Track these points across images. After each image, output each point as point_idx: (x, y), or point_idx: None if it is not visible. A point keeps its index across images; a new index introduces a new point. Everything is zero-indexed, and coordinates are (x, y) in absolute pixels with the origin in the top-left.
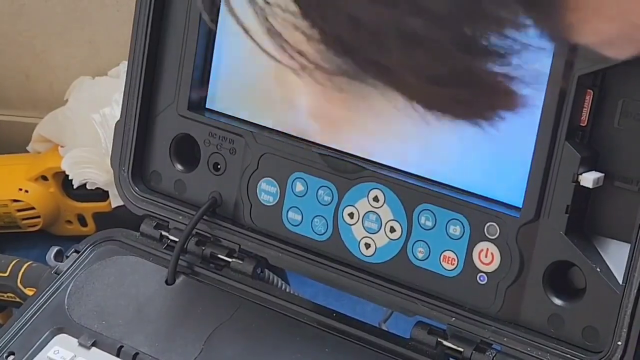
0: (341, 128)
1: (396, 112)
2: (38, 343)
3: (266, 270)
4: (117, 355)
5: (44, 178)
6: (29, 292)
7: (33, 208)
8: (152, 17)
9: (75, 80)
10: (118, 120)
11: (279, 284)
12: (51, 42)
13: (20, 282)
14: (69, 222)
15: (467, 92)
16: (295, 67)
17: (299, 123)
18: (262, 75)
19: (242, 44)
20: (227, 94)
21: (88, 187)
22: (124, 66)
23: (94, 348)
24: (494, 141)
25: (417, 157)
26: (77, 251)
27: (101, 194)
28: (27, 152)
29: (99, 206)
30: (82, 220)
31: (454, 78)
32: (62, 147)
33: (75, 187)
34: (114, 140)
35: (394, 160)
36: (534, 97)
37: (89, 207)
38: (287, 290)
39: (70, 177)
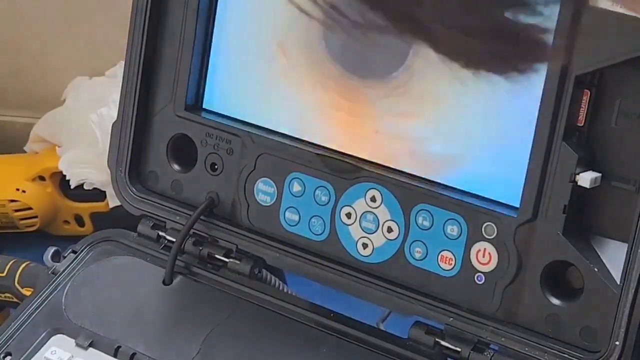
0: (338, 128)
1: (395, 109)
2: (35, 343)
3: (264, 270)
4: (115, 356)
5: (42, 178)
6: (27, 292)
7: (30, 208)
8: (149, 18)
9: (72, 80)
10: (115, 121)
11: (277, 284)
12: (48, 43)
13: (18, 282)
14: (67, 222)
15: (500, 43)
16: (326, 21)
17: (296, 123)
18: (259, 75)
19: (239, 44)
20: (224, 94)
21: (85, 187)
22: (121, 66)
23: (91, 348)
24: (491, 141)
25: (414, 157)
26: (74, 251)
27: (99, 194)
28: (25, 152)
29: (97, 206)
30: (80, 221)
31: (486, 29)
32: (59, 147)
33: (72, 187)
34: (111, 140)
35: (391, 160)
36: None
37: (86, 208)
38: (285, 290)
39: (67, 178)
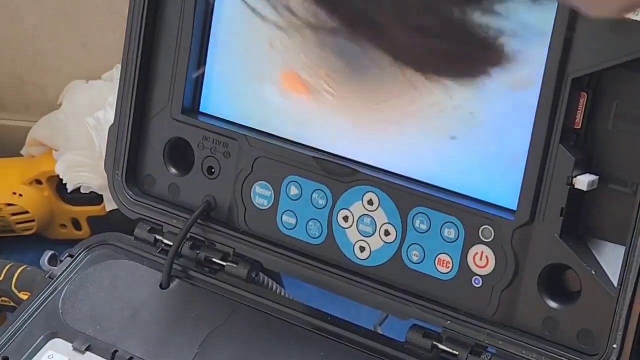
0: (336, 131)
1: (392, 112)
2: (32, 348)
3: (261, 274)
4: None
5: (38, 182)
6: (23, 296)
7: (27, 212)
8: (146, 21)
9: (68, 83)
10: (112, 125)
11: (274, 287)
12: (44, 46)
13: (15, 286)
14: (63, 225)
15: (455, 45)
16: (284, 25)
17: (293, 126)
18: (255, 79)
19: (236, 47)
20: (221, 97)
21: (82, 191)
22: (117, 69)
23: (88, 352)
24: (488, 144)
25: (411, 160)
26: (71, 255)
27: (95, 198)
28: (21, 155)
29: (93, 210)
30: (77, 224)
31: (442, 30)
32: (56, 151)
33: (69, 191)
34: (107, 144)
35: (389, 163)
36: (523, 52)
37: (83, 211)
38: (282, 293)
39: (64, 181)
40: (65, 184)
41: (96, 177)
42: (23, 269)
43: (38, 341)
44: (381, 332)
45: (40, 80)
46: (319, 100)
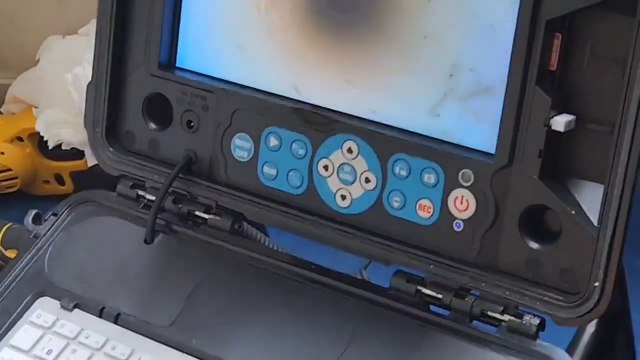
0: (313, 81)
1: (368, 59)
2: (20, 307)
3: (245, 225)
4: (100, 316)
5: (20, 139)
6: (10, 254)
7: (10, 169)
8: None
9: (45, 40)
10: (89, 82)
11: (259, 237)
12: (20, 3)
13: (1, 244)
14: (47, 181)
15: None
16: None
17: (270, 78)
18: (231, 31)
19: (210, 1)
20: (197, 51)
21: (63, 147)
22: (93, 24)
23: (76, 310)
24: (466, 89)
25: (390, 107)
26: (54, 214)
27: (78, 153)
28: (1, 113)
29: (76, 165)
30: (60, 180)
31: None
32: (35, 107)
33: (50, 147)
34: (86, 101)
35: (367, 111)
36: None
37: (66, 167)
38: (267, 243)
39: (45, 138)
40: (47, 141)
41: (77, 133)
42: (8, 227)
43: (26, 301)
44: (366, 277)
45: (17, 37)
46: (296, 50)
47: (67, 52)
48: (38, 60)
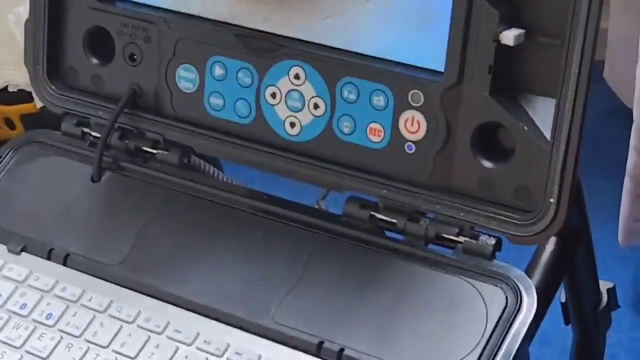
0: (255, 6)
1: None
2: None
3: (197, 159)
4: (48, 258)
5: None
6: None
7: None
8: None
9: None
10: (27, 19)
11: (212, 171)
12: None
13: None
14: None
15: None
16: None
17: (212, 5)
18: None
19: None
20: None
21: (10, 89)
22: None
23: (23, 253)
24: (412, 6)
25: (334, 29)
26: None
27: (27, 95)
28: None
29: (25, 107)
30: (10, 124)
31: None
32: None
33: None
34: (25, 39)
35: (312, 34)
36: None
37: (15, 110)
38: (220, 177)
39: None
40: None
41: (22, 74)
42: None
43: None
44: (324, 208)
45: None
46: None
47: None
48: None
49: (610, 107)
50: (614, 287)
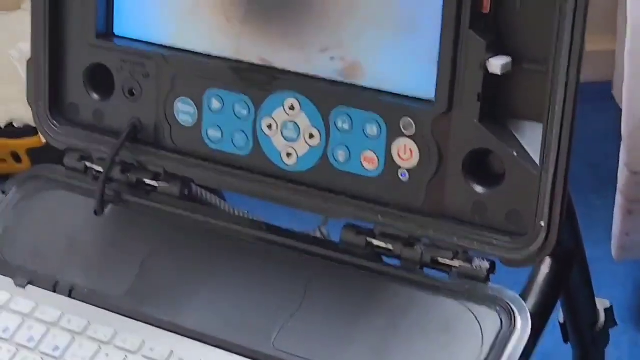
0: (249, 40)
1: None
2: None
3: (199, 189)
4: (54, 291)
5: None
6: None
7: None
8: None
9: None
10: (29, 58)
11: (214, 201)
12: None
13: None
14: (3, 160)
15: None
16: None
17: (207, 39)
18: None
19: None
20: (133, 18)
21: (15, 125)
22: None
23: (29, 286)
24: (401, 37)
25: (326, 62)
26: (2, 192)
27: (32, 130)
28: None
29: (31, 142)
30: (17, 157)
31: None
32: None
33: (3, 126)
34: (27, 76)
35: (305, 66)
36: None
37: (21, 144)
38: (223, 206)
39: None
40: None
41: (27, 110)
42: None
43: None
44: (325, 234)
45: None
46: (231, 11)
47: (11, 28)
48: None
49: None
50: (611, 307)
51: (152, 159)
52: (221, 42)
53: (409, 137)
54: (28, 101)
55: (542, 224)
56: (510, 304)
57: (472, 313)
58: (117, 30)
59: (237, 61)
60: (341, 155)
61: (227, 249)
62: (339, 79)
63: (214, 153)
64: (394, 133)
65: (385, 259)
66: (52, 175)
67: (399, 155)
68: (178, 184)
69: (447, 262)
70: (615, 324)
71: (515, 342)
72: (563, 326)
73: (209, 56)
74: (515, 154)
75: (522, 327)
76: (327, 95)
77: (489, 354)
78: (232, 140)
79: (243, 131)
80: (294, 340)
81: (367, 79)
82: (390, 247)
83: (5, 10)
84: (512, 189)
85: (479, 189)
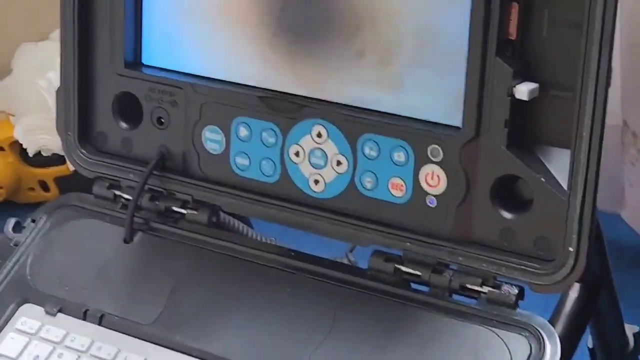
0: (277, 68)
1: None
2: (5, 316)
3: (226, 217)
4: (84, 319)
5: (0, 149)
6: None
7: None
8: None
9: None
10: (58, 87)
11: (241, 228)
12: None
13: None
14: (32, 189)
15: None
16: None
17: (235, 68)
18: (193, 24)
19: None
20: (161, 47)
21: (43, 153)
22: None
23: (60, 314)
24: (428, 64)
25: (354, 89)
26: (33, 221)
27: (59, 158)
28: None
29: (59, 170)
30: (45, 186)
31: None
32: (13, 116)
33: (31, 155)
34: (56, 106)
35: (332, 94)
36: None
37: (49, 173)
38: (250, 233)
39: (24, 146)
40: (27, 148)
41: (55, 139)
42: None
43: (10, 309)
44: (353, 260)
45: None
46: (259, 40)
47: (40, 58)
48: (12, 69)
49: None
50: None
51: (181, 186)
52: (249, 71)
53: (437, 163)
54: (57, 130)
55: (571, 249)
56: (539, 329)
57: (501, 339)
58: (145, 59)
59: (264, 89)
60: (368, 182)
61: (255, 276)
62: (366, 106)
63: (241, 180)
64: (421, 159)
65: (413, 285)
66: (81, 203)
67: (426, 181)
68: (206, 211)
69: (476, 288)
70: None
71: None
72: (592, 351)
73: (236, 84)
74: (543, 179)
75: (551, 352)
76: (354, 122)
77: None
78: (260, 168)
79: (270, 158)
80: None
81: (394, 106)
82: (418, 273)
83: (33, 41)
84: (540, 215)
85: (507, 215)
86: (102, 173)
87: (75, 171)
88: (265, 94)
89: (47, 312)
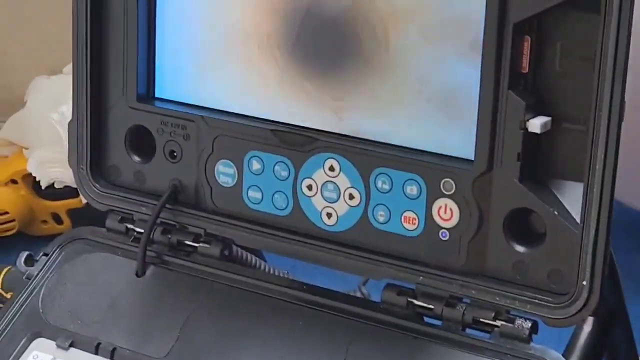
0: (290, 102)
1: (343, 78)
2: (17, 350)
3: (239, 250)
4: (96, 353)
5: (14, 182)
6: (10, 296)
7: (7, 212)
8: (91, 13)
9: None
10: (70, 120)
11: (254, 261)
12: (5, 45)
13: (1, 287)
14: (45, 221)
15: None
16: None
17: (248, 101)
18: (206, 58)
19: (182, 28)
20: (174, 80)
21: (56, 186)
22: None
23: (72, 349)
24: (439, 98)
25: (366, 123)
26: (45, 254)
27: (72, 190)
28: None
29: (72, 203)
30: (57, 219)
31: None
32: (26, 149)
33: (43, 187)
34: (69, 139)
35: (345, 128)
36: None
37: (61, 205)
38: (262, 266)
39: (37, 179)
40: (40, 181)
41: (68, 171)
42: (8, 270)
43: (22, 343)
44: (365, 293)
45: (5, 80)
46: (272, 74)
47: (53, 91)
48: (26, 102)
49: None
50: None
51: (193, 220)
52: (261, 103)
53: (449, 196)
54: (69, 163)
55: (584, 283)
56: None
57: None
58: (158, 92)
59: (277, 122)
60: (381, 215)
61: (267, 310)
62: (378, 139)
63: (254, 214)
64: (434, 193)
65: (426, 319)
66: (94, 237)
67: (439, 214)
68: (218, 244)
69: (489, 321)
70: None
71: None
72: None
73: (249, 117)
74: (556, 213)
75: None
76: (367, 156)
77: None
78: (272, 201)
79: (283, 192)
80: None
81: (406, 140)
82: (431, 307)
83: (47, 74)
84: (554, 248)
85: (520, 248)
86: (114, 206)
87: (87, 204)
88: (277, 127)
89: (58, 346)
